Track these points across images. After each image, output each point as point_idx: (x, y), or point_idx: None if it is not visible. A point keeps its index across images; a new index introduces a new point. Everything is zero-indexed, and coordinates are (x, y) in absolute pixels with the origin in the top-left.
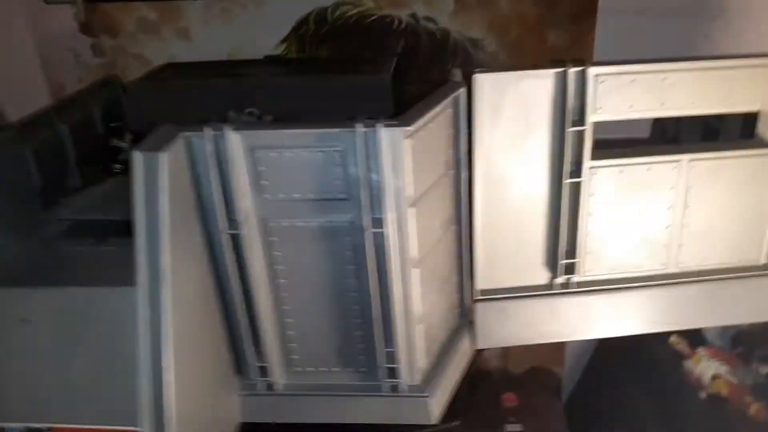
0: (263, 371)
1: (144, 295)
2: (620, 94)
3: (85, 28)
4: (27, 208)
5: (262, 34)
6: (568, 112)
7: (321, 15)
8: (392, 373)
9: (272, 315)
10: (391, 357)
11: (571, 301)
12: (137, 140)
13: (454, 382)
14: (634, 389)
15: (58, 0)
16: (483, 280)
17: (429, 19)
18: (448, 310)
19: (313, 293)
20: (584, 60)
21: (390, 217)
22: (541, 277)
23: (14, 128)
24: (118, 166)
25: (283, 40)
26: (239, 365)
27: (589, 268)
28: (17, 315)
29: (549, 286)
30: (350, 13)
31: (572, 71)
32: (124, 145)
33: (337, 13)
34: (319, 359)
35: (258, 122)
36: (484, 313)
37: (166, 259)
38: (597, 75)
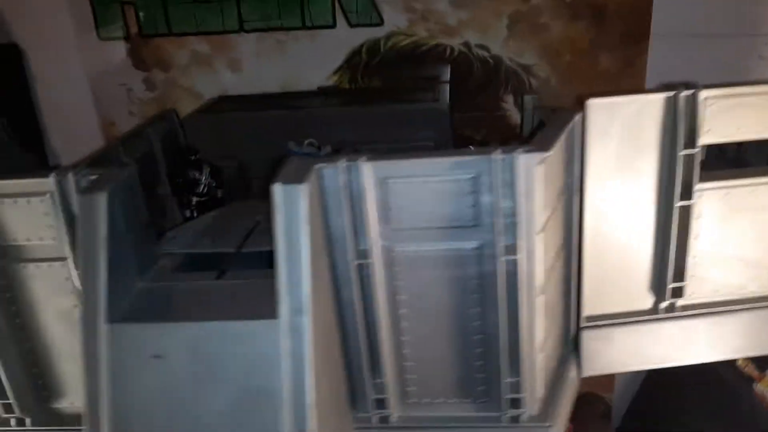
0: (379, 403)
1: (286, 327)
2: (728, 116)
3: (139, 63)
4: (141, 244)
5: (313, 66)
6: (678, 135)
7: (374, 46)
8: (516, 403)
9: (392, 346)
10: (516, 387)
11: (675, 326)
12: (215, 173)
13: (568, 411)
14: (698, 413)
15: (113, 36)
16: (589, 306)
17: (481, 46)
18: (558, 337)
19: (434, 323)
20: (695, 83)
21: (521, 244)
22: (646, 301)
23: (130, 166)
24: (194, 198)
25: (335, 72)
26: (354, 398)
27: (693, 291)
28: (150, 351)
29: (654, 310)
30: (403, 43)
31: (683, 95)
32: (203, 177)
33: (390, 43)
34: (436, 390)
35: (318, 152)
36: (590, 340)
37: (307, 290)
38: (706, 98)
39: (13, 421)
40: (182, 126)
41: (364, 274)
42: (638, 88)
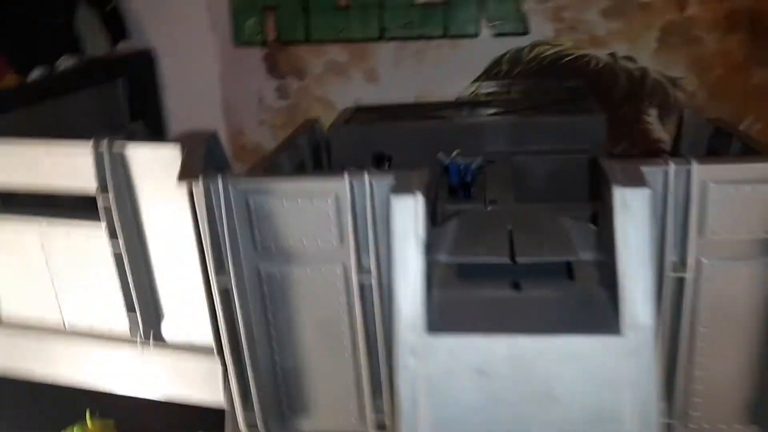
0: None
1: (630, 344)
2: None
3: (273, 70)
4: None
5: (451, 77)
6: None
7: (516, 55)
8: None
9: (686, 365)
10: None
11: None
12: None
13: None
14: None
15: (250, 42)
16: None
17: (628, 58)
18: None
19: (732, 342)
20: None
21: None
22: None
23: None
24: None
25: (473, 82)
26: None
27: None
28: (471, 365)
29: None
30: (546, 53)
31: None
32: None
33: (533, 53)
34: (723, 415)
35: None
36: None
37: (651, 304)
38: None
39: None
40: (328, 135)
41: (678, 288)
42: None
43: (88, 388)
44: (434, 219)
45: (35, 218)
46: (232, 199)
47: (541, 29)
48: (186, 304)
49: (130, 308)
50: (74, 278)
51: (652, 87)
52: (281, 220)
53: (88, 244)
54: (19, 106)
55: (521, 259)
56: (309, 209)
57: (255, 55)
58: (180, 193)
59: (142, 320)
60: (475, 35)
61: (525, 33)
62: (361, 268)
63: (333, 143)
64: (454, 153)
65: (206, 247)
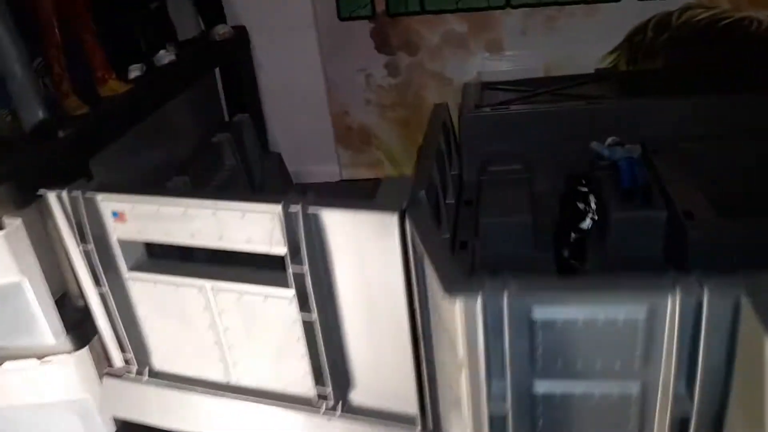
0: None
1: None
2: None
3: (382, 45)
4: None
5: (585, 45)
6: None
7: (663, 21)
8: None
9: None
10: None
11: None
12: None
13: None
14: None
15: (356, 15)
16: None
17: None
18: None
19: None
20: None
21: None
22: None
23: None
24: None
25: (611, 52)
26: None
27: None
28: None
29: None
30: (700, 17)
31: None
32: (591, 209)
33: (684, 17)
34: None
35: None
36: None
37: None
38: None
39: None
40: (458, 120)
41: None
42: None
43: None
44: None
45: (204, 281)
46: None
47: None
48: (378, 372)
49: (317, 375)
50: (244, 337)
51: None
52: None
53: (265, 305)
54: (127, 116)
55: None
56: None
57: (362, 29)
58: (380, 258)
59: (331, 388)
60: None
61: None
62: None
63: (463, 130)
64: (609, 140)
65: (480, 368)
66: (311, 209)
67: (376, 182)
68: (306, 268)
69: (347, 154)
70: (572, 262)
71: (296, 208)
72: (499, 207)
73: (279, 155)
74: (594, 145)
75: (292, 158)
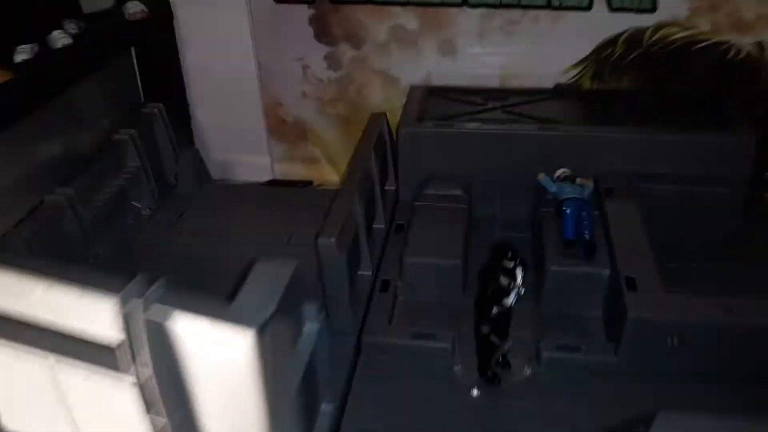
0: None
1: None
2: None
3: (323, 34)
4: None
5: (547, 55)
6: None
7: (635, 36)
8: None
9: None
10: None
11: None
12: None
13: None
14: None
15: None
16: None
17: None
18: None
19: None
20: None
21: None
22: None
23: None
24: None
25: (576, 65)
26: None
27: None
28: None
29: None
30: (675, 37)
31: None
32: (517, 285)
33: (658, 35)
34: None
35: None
36: None
37: None
38: None
39: None
40: (397, 134)
41: None
42: None
43: None
44: None
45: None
46: None
47: (671, 7)
48: None
49: None
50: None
51: None
52: None
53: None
54: (7, 110)
55: None
56: None
57: (300, 15)
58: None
59: None
60: (588, 8)
61: (653, 10)
62: None
63: (401, 146)
64: (559, 171)
65: None
66: (153, 310)
67: (309, 185)
68: (150, 372)
69: (281, 147)
70: (492, 338)
71: (136, 305)
72: (428, 244)
73: (196, 150)
74: (541, 179)
75: (221, 148)
